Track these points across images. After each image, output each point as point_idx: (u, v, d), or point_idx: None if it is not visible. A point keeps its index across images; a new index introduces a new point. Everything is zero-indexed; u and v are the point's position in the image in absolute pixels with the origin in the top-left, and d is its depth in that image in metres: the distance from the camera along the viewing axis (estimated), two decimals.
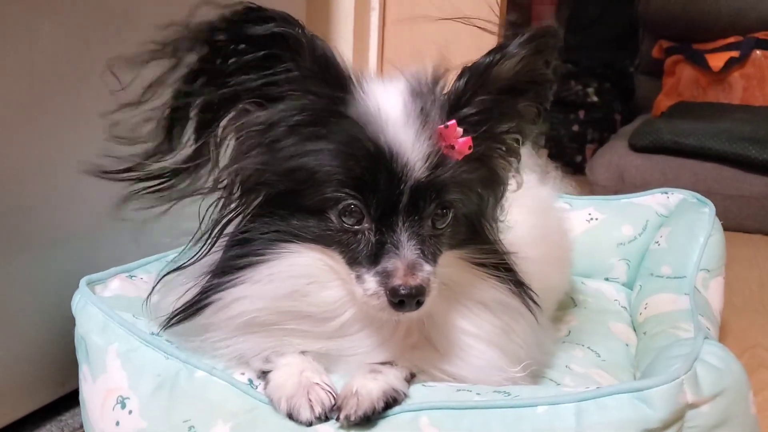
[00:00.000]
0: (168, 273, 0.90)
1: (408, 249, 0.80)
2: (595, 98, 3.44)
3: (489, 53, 0.86)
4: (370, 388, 0.81)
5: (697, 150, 2.47)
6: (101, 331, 0.92)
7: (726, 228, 2.44)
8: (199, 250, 0.86)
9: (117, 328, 0.92)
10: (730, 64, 3.04)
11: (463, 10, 2.01)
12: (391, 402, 0.81)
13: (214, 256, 0.86)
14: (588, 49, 3.64)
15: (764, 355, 1.50)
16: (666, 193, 1.58)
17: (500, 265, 0.94)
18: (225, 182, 0.84)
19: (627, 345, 1.24)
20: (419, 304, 0.78)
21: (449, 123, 0.81)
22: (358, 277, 0.81)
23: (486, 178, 0.90)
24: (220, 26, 0.76)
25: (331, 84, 0.81)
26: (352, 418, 0.78)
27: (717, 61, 3.06)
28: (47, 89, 1.07)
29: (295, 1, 1.65)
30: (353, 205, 0.80)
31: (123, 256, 1.12)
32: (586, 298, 1.44)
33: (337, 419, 0.79)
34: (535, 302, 0.96)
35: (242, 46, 0.77)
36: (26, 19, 1.02)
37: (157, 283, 0.91)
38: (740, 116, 2.73)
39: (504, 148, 0.91)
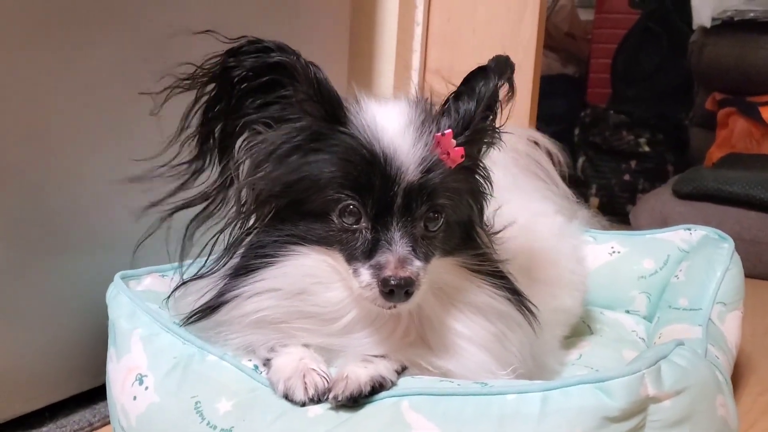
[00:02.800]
0: (189, 280, 0.99)
1: (400, 245, 0.88)
2: (647, 148, 3.45)
3: (486, 81, 0.97)
4: (359, 373, 0.88)
5: (741, 198, 2.46)
6: (128, 317, 1.03)
7: None
8: (219, 261, 0.96)
9: (143, 315, 1.02)
10: None
11: (498, 30, 2.09)
12: (378, 387, 0.87)
13: (231, 262, 0.96)
14: (643, 100, 3.68)
15: None
16: (689, 229, 1.60)
17: (496, 273, 1.01)
18: (243, 199, 0.95)
19: None
20: (408, 294, 0.86)
21: (446, 131, 0.90)
22: (355, 271, 0.89)
23: (473, 189, 0.99)
24: (227, 59, 0.89)
25: (326, 104, 0.91)
26: (340, 398, 0.85)
27: None
28: (99, 105, 1.21)
29: (338, 28, 1.78)
30: (352, 205, 0.89)
31: (159, 261, 1.23)
32: (603, 327, 1.47)
33: (327, 399, 0.86)
34: (532, 312, 1.02)
35: (248, 74, 0.90)
36: (86, 42, 1.16)
37: (178, 287, 1.00)
38: None
39: (481, 160, 1.01)
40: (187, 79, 0.90)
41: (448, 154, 0.91)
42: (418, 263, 0.88)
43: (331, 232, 0.91)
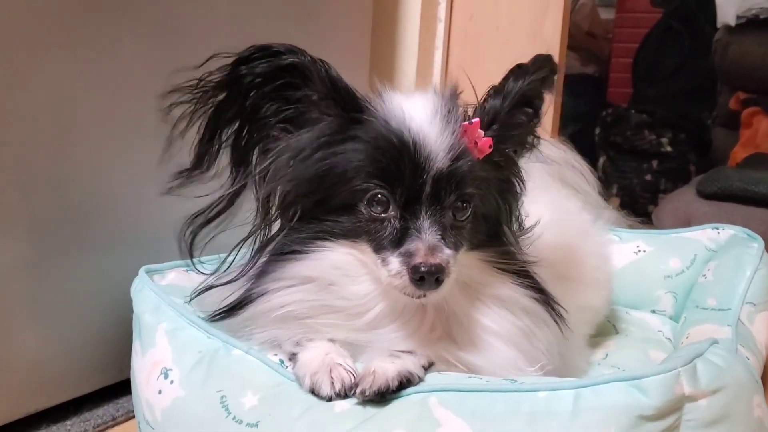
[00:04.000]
0: (215, 285, 0.98)
1: (429, 234, 0.87)
2: (668, 148, 3.42)
3: (517, 77, 0.97)
4: (386, 368, 0.87)
5: (767, 198, 2.42)
6: (153, 311, 1.02)
7: None
8: (246, 265, 0.96)
9: (168, 309, 1.02)
10: None
11: (521, 27, 2.07)
12: (405, 383, 0.86)
13: (257, 263, 0.95)
14: (665, 100, 3.64)
15: None
16: (716, 228, 1.58)
17: (522, 273, 1.00)
18: (268, 205, 0.94)
19: None
20: (438, 282, 0.85)
21: (474, 120, 0.90)
22: (383, 260, 0.89)
23: (502, 185, 0.98)
24: (239, 68, 0.88)
25: (342, 100, 0.91)
26: (367, 393, 0.84)
27: None
28: (123, 102, 1.21)
29: (360, 26, 1.77)
30: (380, 194, 0.89)
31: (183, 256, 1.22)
32: (628, 327, 1.45)
33: (354, 394, 0.85)
34: (559, 313, 1.00)
35: (259, 80, 0.89)
36: (111, 36, 1.16)
37: (203, 291, 0.99)
38: None
39: (511, 159, 1.00)
40: (195, 89, 0.89)
41: (476, 143, 0.90)
42: (448, 251, 0.87)
43: (358, 224, 0.91)
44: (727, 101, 3.38)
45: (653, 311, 1.54)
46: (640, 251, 1.58)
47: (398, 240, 0.88)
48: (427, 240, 0.86)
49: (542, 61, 0.99)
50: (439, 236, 0.87)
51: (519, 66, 0.98)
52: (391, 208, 0.89)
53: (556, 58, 2.14)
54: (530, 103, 1.00)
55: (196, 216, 0.96)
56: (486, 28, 2.03)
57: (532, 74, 0.97)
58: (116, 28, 1.18)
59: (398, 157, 0.87)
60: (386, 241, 0.89)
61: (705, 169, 3.28)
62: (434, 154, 0.87)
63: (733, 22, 3.12)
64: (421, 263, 0.84)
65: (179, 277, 1.15)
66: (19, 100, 1.07)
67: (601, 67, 4.21)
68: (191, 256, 0.97)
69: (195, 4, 1.30)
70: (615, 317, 1.47)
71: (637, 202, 3.39)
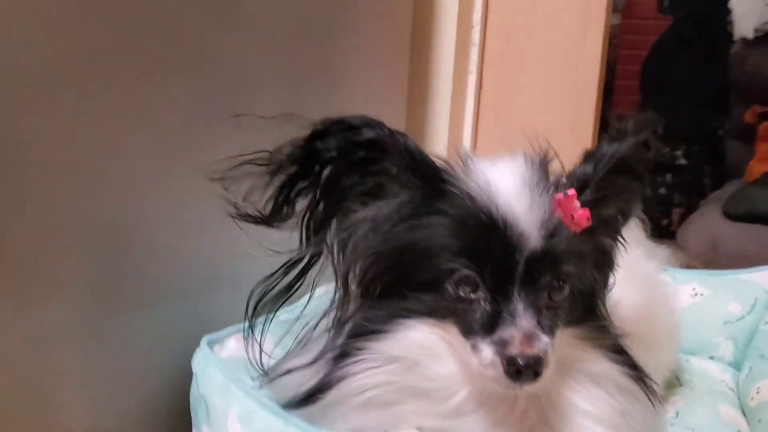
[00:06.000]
0: (292, 370, 0.92)
1: (524, 319, 0.80)
2: (683, 161, 3.38)
3: (611, 141, 0.90)
4: None
5: None
6: (222, 393, 0.94)
7: None
8: (325, 347, 0.89)
9: (236, 390, 0.94)
10: None
11: (559, 72, 2.00)
12: None
13: (335, 344, 0.89)
14: (677, 111, 3.59)
15: None
16: None
17: (615, 347, 0.93)
18: (348, 282, 0.88)
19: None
20: (536, 375, 0.78)
21: (569, 192, 0.83)
22: (474, 347, 0.82)
23: (598, 257, 0.91)
24: (314, 143, 0.82)
25: (422, 173, 0.85)
26: None
27: None
28: (175, 147, 1.12)
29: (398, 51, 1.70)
30: (468, 274, 0.82)
31: (238, 313, 1.15)
32: (692, 378, 1.39)
33: None
34: (651, 388, 0.94)
35: (334, 155, 0.83)
36: (160, 81, 1.08)
37: (277, 375, 0.93)
38: None
39: (611, 228, 0.94)
40: (267, 162, 0.83)
41: (572, 217, 0.83)
42: (545, 339, 0.79)
43: (444, 303, 0.84)
44: (740, 113, 3.33)
45: (711, 357, 1.49)
46: (697, 294, 1.52)
47: (489, 325, 0.81)
48: (522, 326, 0.79)
49: (643, 123, 0.92)
50: (535, 321, 0.80)
51: (616, 129, 0.91)
52: (480, 289, 0.82)
53: (595, 78, 2.07)
54: (630, 169, 0.93)
55: (266, 284, 0.89)
56: (522, 49, 1.95)
57: (631, 137, 0.90)
58: (167, 72, 1.09)
59: (487, 235, 0.80)
60: (476, 325, 0.82)
61: (719, 183, 3.25)
62: (527, 231, 0.80)
63: (751, 35, 3.09)
64: (517, 355, 0.77)
65: (239, 346, 1.07)
66: (72, 157, 0.98)
67: (607, 73, 4.16)
68: (251, 324, 0.91)
69: (243, 49, 1.21)
70: (678, 367, 1.41)
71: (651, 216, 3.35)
